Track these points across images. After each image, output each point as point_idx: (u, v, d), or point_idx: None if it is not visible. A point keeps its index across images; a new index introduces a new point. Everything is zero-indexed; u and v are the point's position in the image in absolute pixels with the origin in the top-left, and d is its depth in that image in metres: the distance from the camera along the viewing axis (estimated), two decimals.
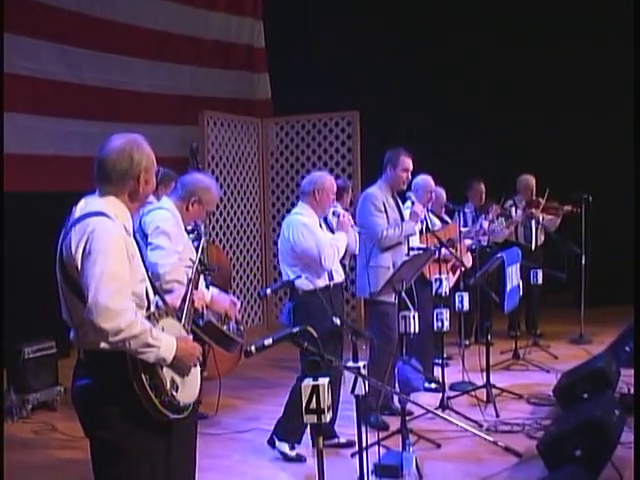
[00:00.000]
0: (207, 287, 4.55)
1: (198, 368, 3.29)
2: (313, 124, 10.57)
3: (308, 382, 3.29)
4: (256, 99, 11.73)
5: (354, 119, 10.35)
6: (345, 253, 7.75)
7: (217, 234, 9.88)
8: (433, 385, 7.07)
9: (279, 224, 5.95)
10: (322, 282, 5.64)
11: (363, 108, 10.35)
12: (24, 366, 6.88)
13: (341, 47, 11.47)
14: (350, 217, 5.98)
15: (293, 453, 5.65)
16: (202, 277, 4.21)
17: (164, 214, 4.54)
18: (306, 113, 10.60)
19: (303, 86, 11.34)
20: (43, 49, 8.51)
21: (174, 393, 3.07)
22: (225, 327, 4.54)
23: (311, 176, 5.96)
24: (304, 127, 10.61)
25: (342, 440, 5.75)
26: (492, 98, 11.33)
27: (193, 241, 4.58)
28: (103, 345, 2.95)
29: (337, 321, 4.34)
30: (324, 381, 3.29)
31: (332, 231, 5.86)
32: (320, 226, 5.79)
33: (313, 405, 3.27)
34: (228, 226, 10.16)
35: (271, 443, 5.77)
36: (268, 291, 5.43)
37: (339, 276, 5.77)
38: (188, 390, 3.19)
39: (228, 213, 10.15)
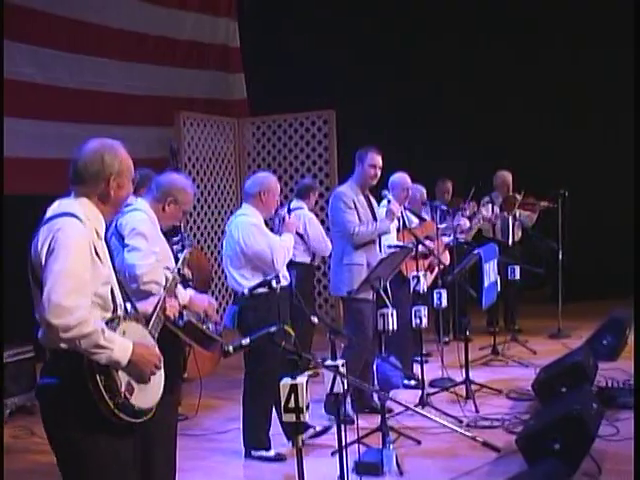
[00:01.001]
0: (185, 288, 4.54)
1: (161, 375, 3.27)
2: (289, 123, 10.58)
3: (286, 381, 3.30)
4: (232, 99, 11.73)
5: (330, 118, 10.37)
6: (314, 256, 7.81)
7: (195, 235, 9.86)
8: (412, 382, 7.10)
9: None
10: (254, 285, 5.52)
11: (339, 107, 10.36)
12: (1, 370, 6.84)
13: (317, 46, 11.48)
14: (295, 218, 5.90)
15: (271, 453, 5.64)
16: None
17: (140, 215, 4.51)
18: (282, 112, 10.61)
19: (279, 86, 11.38)
20: (16, 51, 8.45)
21: (128, 396, 3.04)
22: (204, 327, 4.53)
23: (256, 177, 5.88)
24: (280, 126, 10.63)
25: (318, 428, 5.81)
26: (469, 97, 11.35)
27: (177, 252, 4.56)
28: (61, 344, 2.94)
29: (315, 319, 4.33)
30: (302, 380, 3.29)
31: (273, 232, 5.79)
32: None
33: (292, 404, 3.28)
34: (205, 226, 10.15)
35: (248, 454, 5.74)
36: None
37: (285, 280, 5.61)
38: (146, 395, 3.16)
39: (205, 213, 10.14)
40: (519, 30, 11.25)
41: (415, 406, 6.43)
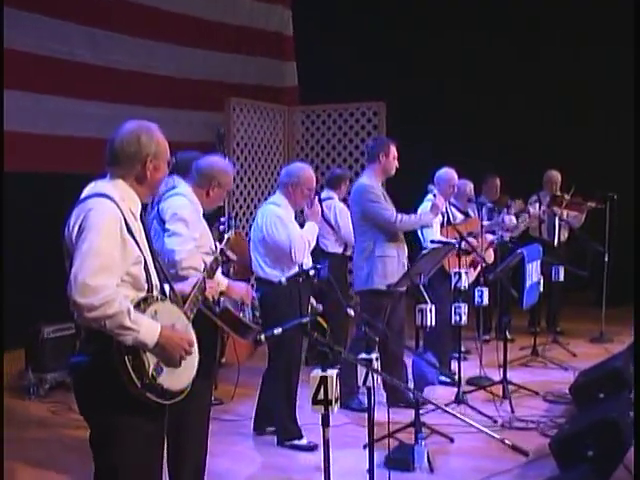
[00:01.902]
0: (226, 272, 4.56)
1: (195, 358, 3.24)
2: (339, 113, 10.54)
3: (317, 373, 3.30)
4: (283, 87, 11.75)
5: (380, 109, 10.32)
6: (345, 246, 7.75)
7: (240, 221, 9.89)
8: (449, 379, 7.06)
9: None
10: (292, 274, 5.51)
11: (390, 98, 10.31)
12: (43, 346, 6.95)
13: (370, 36, 11.44)
14: (318, 207, 5.81)
15: (304, 442, 5.66)
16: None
17: (181, 200, 4.53)
18: (333, 102, 10.58)
19: (331, 75, 11.34)
20: (73, 32, 8.55)
21: (156, 376, 3.03)
22: (241, 314, 4.54)
23: (290, 167, 5.84)
24: (330, 116, 10.59)
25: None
26: (521, 94, 11.25)
27: (222, 232, 4.56)
28: (88, 323, 2.95)
29: (351, 312, 4.31)
30: (332, 372, 3.28)
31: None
32: (296, 218, 5.74)
33: (321, 396, 3.28)
34: (252, 212, 10.16)
35: (280, 442, 5.77)
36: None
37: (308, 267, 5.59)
38: (176, 377, 3.14)
39: (252, 200, 10.15)
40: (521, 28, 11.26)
41: (450, 404, 6.42)
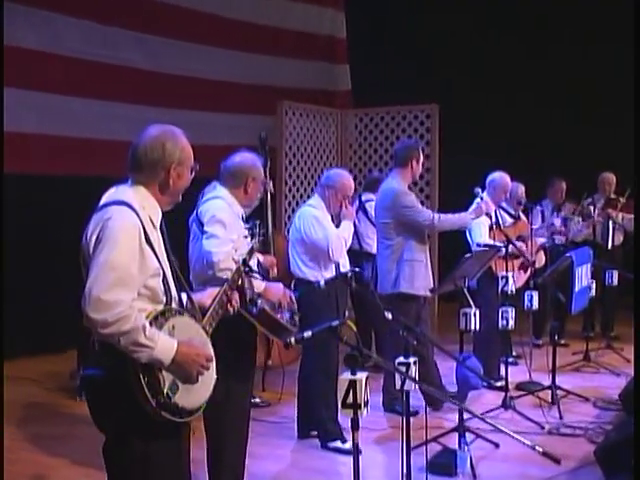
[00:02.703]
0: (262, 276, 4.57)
1: (211, 375, 3.13)
2: (392, 117, 10.47)
3: (346, 376, 3.28)
4: (336, 90, 11.74)
5: (433, 112, 10.21)
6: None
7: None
8: (499, 383, 6.98)
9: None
10: (328, 274, 5.71)
11: (443, 101, 10.24)
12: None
13: (422, 39, 11.39)
14: (352, 209, 5.95)
15: (347, 445, 5.62)
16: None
17: (220, 203, 4.56)
18: (385, 105, 10.54)
19: (383, 78, 11.31)
20: (122, 37, 8.69)
21: (171, 395, 2.93)
22: (278, 315, 4.55)
23: (330, 172, 5.99)
24: (383, 119, 10.52)
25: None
26: (577, 95, 11.11)
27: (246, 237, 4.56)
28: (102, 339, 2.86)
29: (389, 315, 4.29)
30: (362, 376, 3.27)
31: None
32: (332, 220, 5.83)
33: (350, 399, 3.26)
34: None
35: (324, 445, 5.78)
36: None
37: (344, 268, 5.74)
38: (192, 394, 3.03)
39: (305, 202, 10.14)
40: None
41: (497, 409, 6.36)
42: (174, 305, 3.09)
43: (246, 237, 4.43)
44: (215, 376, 3.16)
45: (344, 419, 5.56)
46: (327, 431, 5.73)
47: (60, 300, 6.85)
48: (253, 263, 4.05)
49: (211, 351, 3.14)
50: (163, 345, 2.90)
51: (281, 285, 4.72)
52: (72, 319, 7.02)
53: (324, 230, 5.65)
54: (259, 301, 4.33)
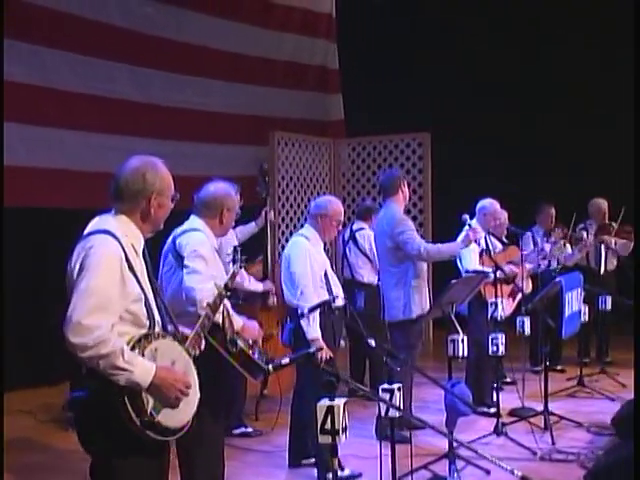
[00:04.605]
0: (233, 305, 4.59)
1: (194, 395, 3.21)
2: (384, 145, 10.53)
3: (324, 402, 3.28)
4: (329, 120, 11.82)
5: (425, 140, 10.28)
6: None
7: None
8: (492, 410, 6.96)
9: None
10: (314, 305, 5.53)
11: (435, 129, 10.30)
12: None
13: (413, 69, 11.48)
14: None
15: (346, 473, 5.57)
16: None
17: (200, 237, 4.55)
18: (377, 134, 10.60)
19: (375, 107, 11.38)
20: (116, 70, 8.76)
21: (155, 414, 3.01)
22: (251, 353, 4.54)
23: (319, 200, 5.95)
24: (375, 148, 10.59)
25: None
26: (564, 118, 11.19)
27: (227, 263, 4.56)
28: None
29: (372, 342, 4.30)
30: (340, 402, 3.27)
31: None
32: (325, 250, 5.85)
33: (328, 426, 3.26)
34: None
35: (321, 475, 5.66)
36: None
37: (341, 300, 5.61)
38: (174, 414, 3.10)
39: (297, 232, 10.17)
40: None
41: (489, 435, 6.34)
42: (157, 329, 3.17)
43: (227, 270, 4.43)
44: (199, 394, 3.24)
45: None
46: (324, 461, 5.64)
47: (55, 332, 6.83)
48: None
49: (193, 373, 3.23)
50: (142, 368, 2.97)
51: (257, 324, 4.75)
52: (67, 351, 7.11)
53: (304, 267, 5.51)
54: (238, 341, 4.32)
